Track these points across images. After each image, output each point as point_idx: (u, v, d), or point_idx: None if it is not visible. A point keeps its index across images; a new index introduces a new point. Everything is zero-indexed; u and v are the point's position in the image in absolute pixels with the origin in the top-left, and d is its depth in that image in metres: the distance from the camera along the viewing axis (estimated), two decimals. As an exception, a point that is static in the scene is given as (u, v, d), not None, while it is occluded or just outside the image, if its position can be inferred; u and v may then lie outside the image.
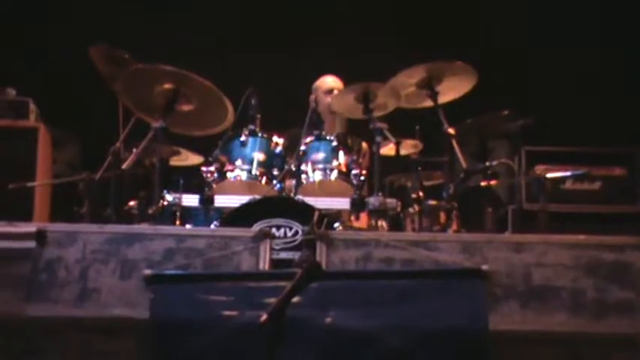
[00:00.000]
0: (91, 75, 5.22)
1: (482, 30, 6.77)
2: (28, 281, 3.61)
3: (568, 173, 5.58)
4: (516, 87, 6.46)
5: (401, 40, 6.73)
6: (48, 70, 6.54)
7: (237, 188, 4.90)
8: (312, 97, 5.60)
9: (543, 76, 6.67)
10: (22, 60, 6.60)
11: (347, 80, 5.68)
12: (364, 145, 5.32)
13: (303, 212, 4.34)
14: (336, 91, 5.64)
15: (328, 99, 5.64)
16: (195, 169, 5.12)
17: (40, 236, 3.65)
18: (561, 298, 3.64)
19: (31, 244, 3.64)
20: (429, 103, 5.02)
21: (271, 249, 3.76)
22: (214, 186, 4.91)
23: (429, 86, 4.97)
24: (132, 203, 4.86)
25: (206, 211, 4.81)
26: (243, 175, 4.92)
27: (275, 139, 5.05)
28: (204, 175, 4.94)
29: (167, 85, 4.65)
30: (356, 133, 5.27)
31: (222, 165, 4.95)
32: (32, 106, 6.00)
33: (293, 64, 6.67)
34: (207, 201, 4.79)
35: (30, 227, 3.72)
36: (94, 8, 6.70)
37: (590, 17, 6.76)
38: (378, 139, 4.75)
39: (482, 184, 5.18)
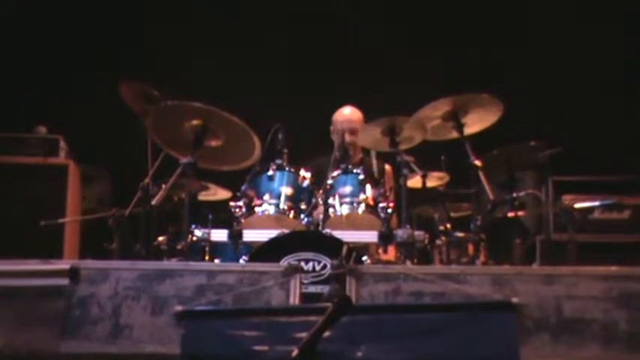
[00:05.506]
0: (121, 111, 5.29)
1: (508, 59, 6.78)
2: (62, 318, 3.65)
3: (597, 203, 5.55)
4: (543, 117, 6.45)
5: (426, 72, 6.76)
6: (78, 107, 6.61)
7: (265, 223, 4.90)
8: (332, 128, 5.59)
9: (570, 104, 6.66)
10: (52, 97, 6.68)
11: (372, 114, 5.67)
12: (387, 167, 5.32)
13: (332, 246, 4.36)
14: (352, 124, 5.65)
15: (345, 130, 5.65)
16: (224, 204, 5.15)
17: (73, 273, 3.69)
18: (593, 330, 3.62)
19: (65, 281, 3.68)
20: (455, 135, 5.03)
21: (301, 283, 3.78)
22: (243, 221, 4.92)
23: (454, 118, 4.98)
24: (161, 239, 4.90)
25: (235, 246, 4.83)
26: (271, 210, 4.92)
27: (302, 173, 5.06)
28: (233, 209, 4.95)
29: (195, 121, 4.71)
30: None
31: (251, 200, 4.95)
32: (62, 144, 6.09)
33: (319, 99, 6.68)
34: (235, 236, 4.82)
35: (64, 264, 3.77)
36: (123, 44, 6.79)
37: (614, 44, 6.76)
38: (405, 172, 4.78)
39: (510, 215, 5.15)
